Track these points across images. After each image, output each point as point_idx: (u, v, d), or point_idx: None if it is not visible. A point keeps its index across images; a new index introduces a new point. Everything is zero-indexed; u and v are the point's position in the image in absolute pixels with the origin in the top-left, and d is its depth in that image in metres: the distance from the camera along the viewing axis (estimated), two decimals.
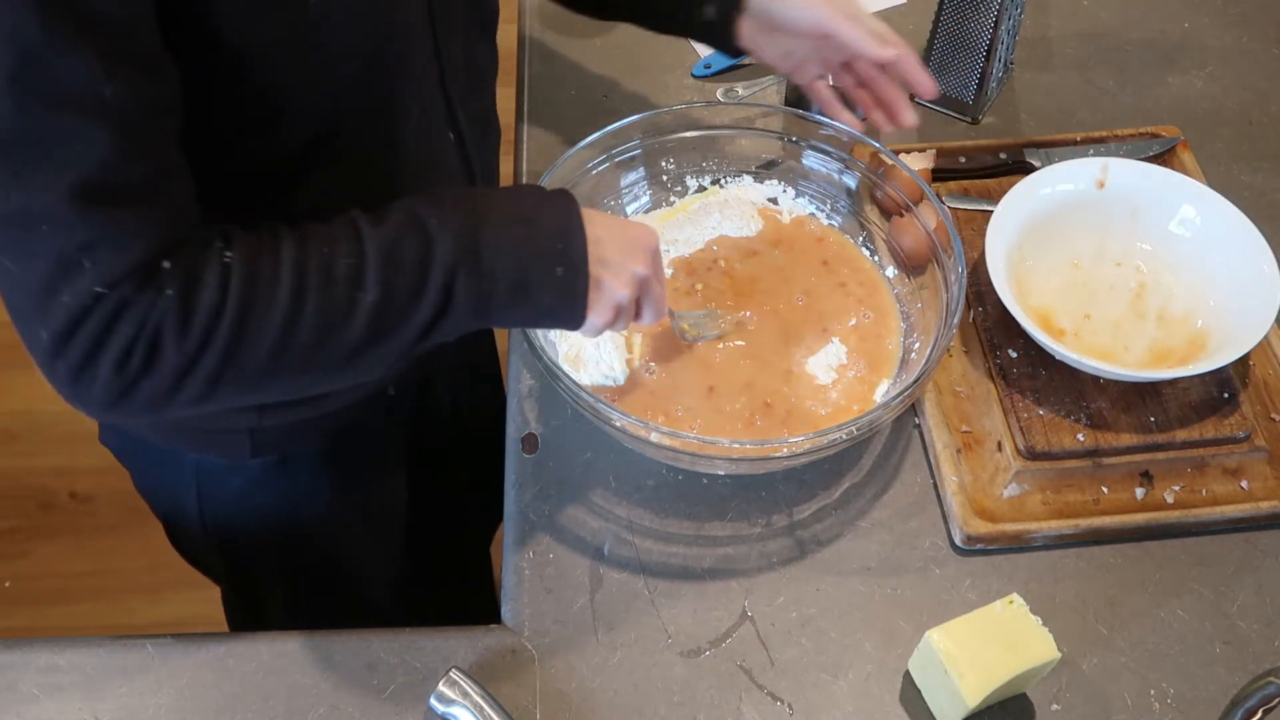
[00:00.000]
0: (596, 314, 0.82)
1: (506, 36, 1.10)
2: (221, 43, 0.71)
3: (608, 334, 1.02)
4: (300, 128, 0.79)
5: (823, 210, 1.14)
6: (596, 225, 0.81)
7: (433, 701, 0.81)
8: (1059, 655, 0.82)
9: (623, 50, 1.35)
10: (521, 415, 1.03)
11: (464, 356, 1.19)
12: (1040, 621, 0.83)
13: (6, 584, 1.96)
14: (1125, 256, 1.08)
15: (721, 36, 1.02)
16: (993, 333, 1.03)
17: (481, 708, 0.80)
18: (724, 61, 1.32)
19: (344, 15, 0.75)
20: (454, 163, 0.95)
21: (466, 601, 1.46)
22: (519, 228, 0.78)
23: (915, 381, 0.92)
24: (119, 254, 0.67)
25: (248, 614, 1.24)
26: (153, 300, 0.68)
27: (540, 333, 0.98)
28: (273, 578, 1.14)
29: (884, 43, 0.97)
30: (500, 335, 1.14)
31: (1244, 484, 0.97)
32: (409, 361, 0.82)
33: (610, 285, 0.82)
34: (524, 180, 1.22)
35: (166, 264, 0.68)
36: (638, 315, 0.87)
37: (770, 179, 1.14)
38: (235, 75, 0.72)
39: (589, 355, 1.01)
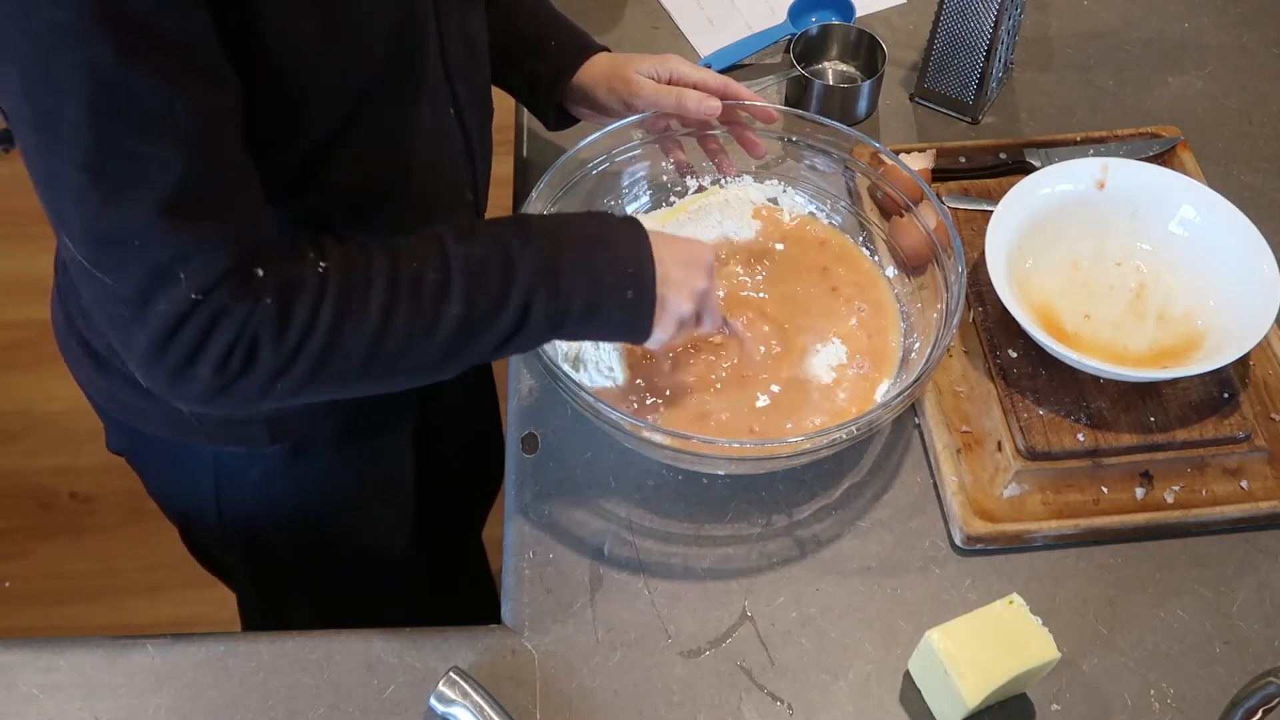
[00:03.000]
0: (662, 329, 0.87)
1: None
2: (264, 42, 0.72)
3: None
4: (327, 116, 0.81)
5: (823, 210, 1.14)
6: (660, 247, 0.86)
7: (433, 701, 0.81)
8: (1059, 655, 0.82)
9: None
10: (521, 415, 1.03)
11: None
12: (1040, 621, 0.83)
13: (7, 584, 1.96)
14: (1125, 256, 1.08)
15: (546, 113, 1.09)
16: (993, 333, 1.03)
17: (481, 708, 0.80)
18: (724, 62, 1.32)
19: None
20: (456, 140, 0.95)
21: (462, 580, 1.46)
22: (594, 252, 0.83)
23: (915, 381, 0.92)
24: (210, 263, 0.70)
25: (266, 612, 1.24)
26: (250, 307, 0.72)
27: None
28: (293, 567, 1.14)
29: (701, 99, 1.02)
30: None
31: (1244, 484, 0.97)
32: None
33: (674, 301, 0.86)
34: (523, 179, 1.22)
35: (260, 271, 0.72)
36: (697, 324, 0.91)
37: (770, 179, 1.14)
38: (271, 71, 0.74)
39: (589, 355, 1.01)
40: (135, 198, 0.67)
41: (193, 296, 0.70)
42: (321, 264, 0.75)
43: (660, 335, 0.88)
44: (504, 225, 0.83)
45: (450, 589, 1.44)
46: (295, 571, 1.15)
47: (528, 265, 0.80)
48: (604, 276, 0.83)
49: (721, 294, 1.06)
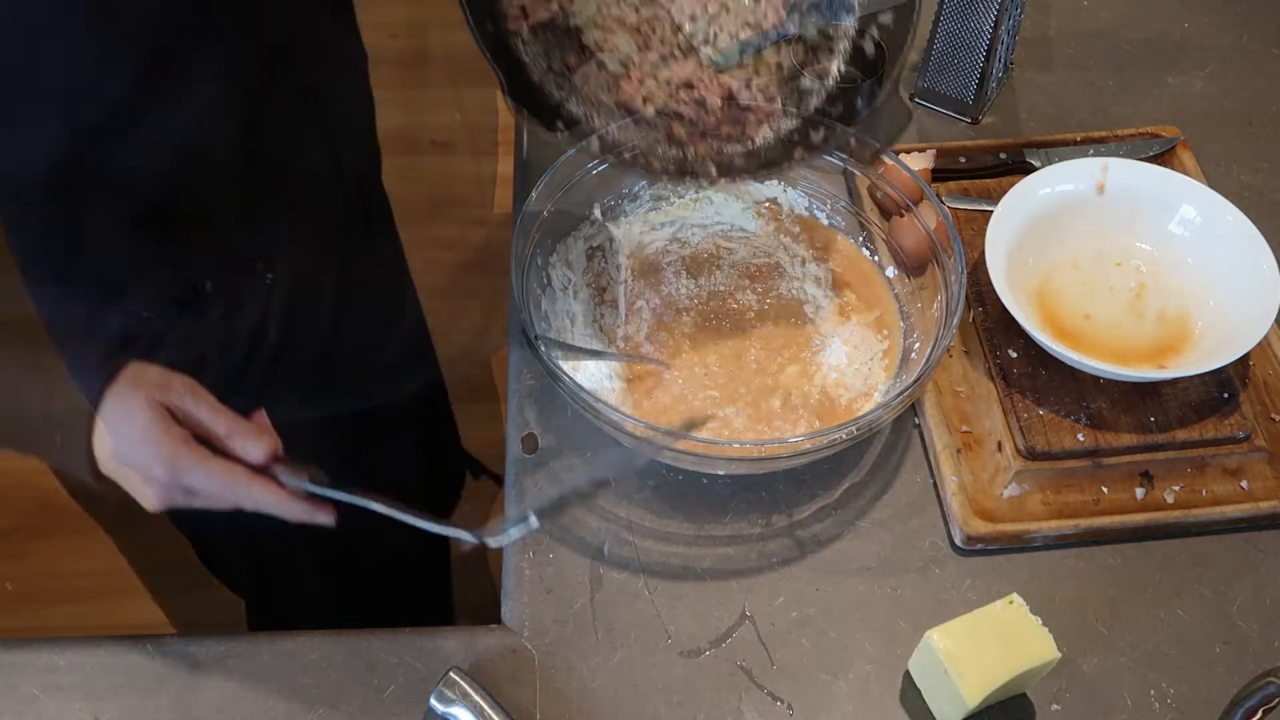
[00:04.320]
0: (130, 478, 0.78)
1: None
2: None
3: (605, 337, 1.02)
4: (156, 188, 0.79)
5: (823, 210, 1.14)
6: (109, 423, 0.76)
7: (433, 701, 0.81)
8: (1059, 655, 0.82)
9: None
10: (521, 415, 1.03)
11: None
12: (1040, 621, 0.83)
13: (8, 585, 1.96)
14: (1125, 256, 1.08)
15: None
16: (993, 333, 1.03)
17: (481, 708, 0.80)
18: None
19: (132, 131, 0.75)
20: (322, 160, 0.93)
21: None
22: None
23: (915, 381, 0.92)
24: (159, 281, 0.69)
25: (275, 618, 1.23)
26: (196, 323, 0.70)
27: (539, 329, 0.99)
28: (302, 575, 1.13)
29: None
30: (497, 334, 1.14)
31: (1244, 484, 0.97)
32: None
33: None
34: (523, 179, 1.21)
35: (209, 286, 0.71)
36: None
37: (770, 179, 1.14)
38: None
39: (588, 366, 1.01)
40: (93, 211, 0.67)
41: (143, 315, 0.70)
42: (269, 275, 0.75)
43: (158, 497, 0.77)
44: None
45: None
46: (304, 579, 1.14)
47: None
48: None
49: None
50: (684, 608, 0.92)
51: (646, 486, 0.98)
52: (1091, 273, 1.07)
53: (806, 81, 0.96)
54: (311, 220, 0.93)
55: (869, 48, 0.95)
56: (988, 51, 1.21)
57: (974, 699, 0.81)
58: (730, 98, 0.95)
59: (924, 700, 0.87)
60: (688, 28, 0.93)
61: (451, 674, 0.82)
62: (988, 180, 1.18)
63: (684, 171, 0.92)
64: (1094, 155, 1.17)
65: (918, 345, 1.01)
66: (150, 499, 0.77)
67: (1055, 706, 0.87)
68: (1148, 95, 1.31)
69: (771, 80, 0.94)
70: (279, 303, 0.89)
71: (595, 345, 1.01)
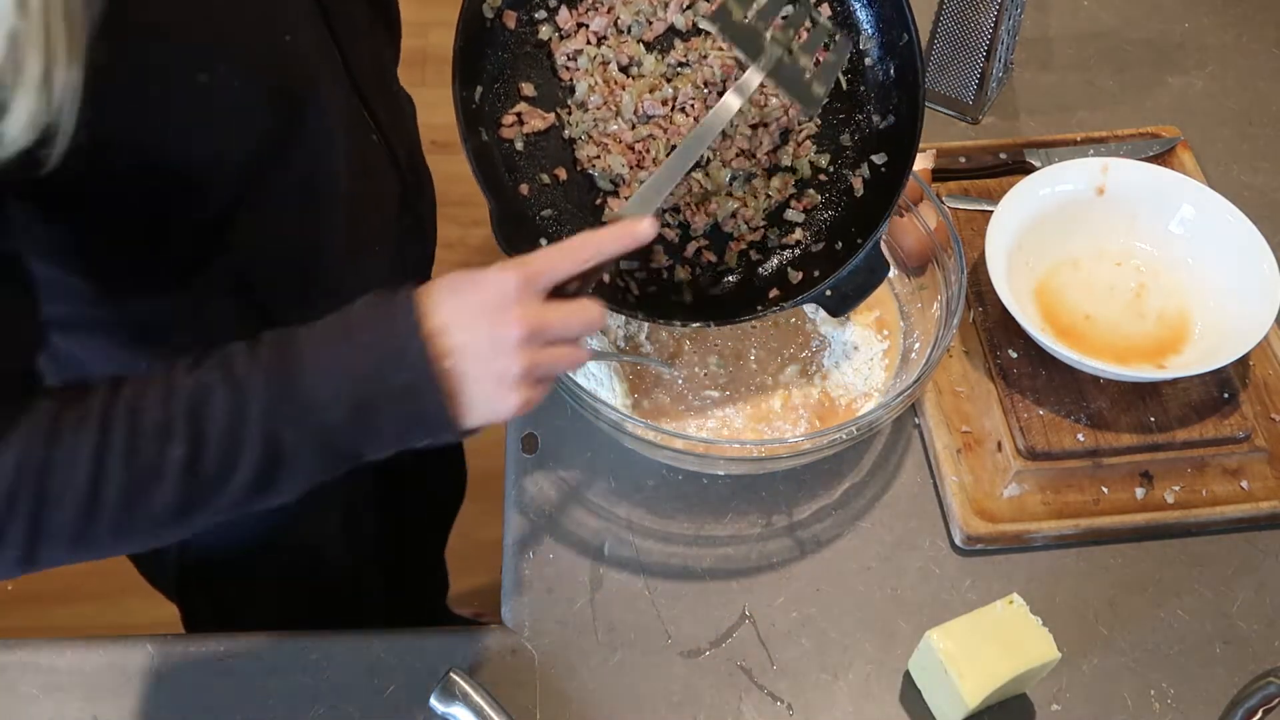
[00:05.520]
0: (478, 408, 0.70)
1: None
2: (120, 145, 0.68)
3: (601, 337, 1.02)
4: (216, 192, 0.78)
5: None
6: (439, 308, 0.69)
7: (433, 702, 0.81)
8: (1059, 655, 0.82)
9: None
10: (521, 415, 1.02)
11: None
12: (1040, 621, 0.83)
13: (8, 585, 1.96)
14: (1125, 256, 1.08)
15: None
16: (993, 333, 1.03)
17: (481, 708, 0.80)
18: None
19: (238, 76, 0.73)
20: (383, 162, 0.93)
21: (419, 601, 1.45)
22: (336, 347, 0.69)
23: (915, 381, 0.92)
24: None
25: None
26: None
27: None
28: (253, 592, 1.12)
29: None
30: None
31: (1244, 484, 0.97)
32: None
33: (476, 373, 0.69)
34: None
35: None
36: (538, 385, 0.73)
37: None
38: (134, 169, 0.70)
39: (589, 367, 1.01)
40: None
41: None
42: (37, 408, 0.67)
43: (484, 415, 0.71)
44: (239, 347, 0.70)
45: (411, 610, 1.42)
46: (255, 597, 1.13)
47: (257, 389, 0.67)
48: (353, 370, 0.68)
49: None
50: (684, 608, 0.92)
51: (646, 486, 0.98)
52: (1091, 273, 1.07)
53: (792, 214, 0.97)
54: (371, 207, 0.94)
55: (858, 185, 0.96)
56: (988, 51, 1.21)
57: (974, 699, 0.81)
58: (715, 226, 0.96)
59: (924, 700, 0.87)
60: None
61: (451, 674, 0.81)
62: (988, 180, 1.18)
63: (656, 311, 0.91)
64: (1094, 155, 1.17)
65: (918, 345, 1.01)
66: (511, 400, 0.71)
67: (1055, 706, 0.87)
68: (1148, 95, 1.31)
69: (758, 212, 0.96)
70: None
71: (595, 345, 1.01)
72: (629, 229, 0.73)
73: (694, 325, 0.92)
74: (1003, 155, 1.19)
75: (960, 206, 1.15)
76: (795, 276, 0.95)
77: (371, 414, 0.68)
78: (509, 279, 0.70)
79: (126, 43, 0.64)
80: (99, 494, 0.65)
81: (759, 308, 0.93)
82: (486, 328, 0.69)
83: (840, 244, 0.94)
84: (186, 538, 0.71)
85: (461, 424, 0.70)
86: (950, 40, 1.23)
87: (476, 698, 0.81)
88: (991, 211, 1.04)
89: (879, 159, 0.95)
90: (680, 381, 1.01)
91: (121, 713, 0.86)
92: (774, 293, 0.95)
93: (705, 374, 1.01)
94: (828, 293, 0.93)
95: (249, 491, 0.68)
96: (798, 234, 0.97)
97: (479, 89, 0.90)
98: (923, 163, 1.14)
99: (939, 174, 1.17)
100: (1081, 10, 1.42)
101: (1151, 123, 1.25)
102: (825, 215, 0.97)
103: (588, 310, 0.73)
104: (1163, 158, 1.20)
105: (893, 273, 1.08)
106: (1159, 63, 1.35)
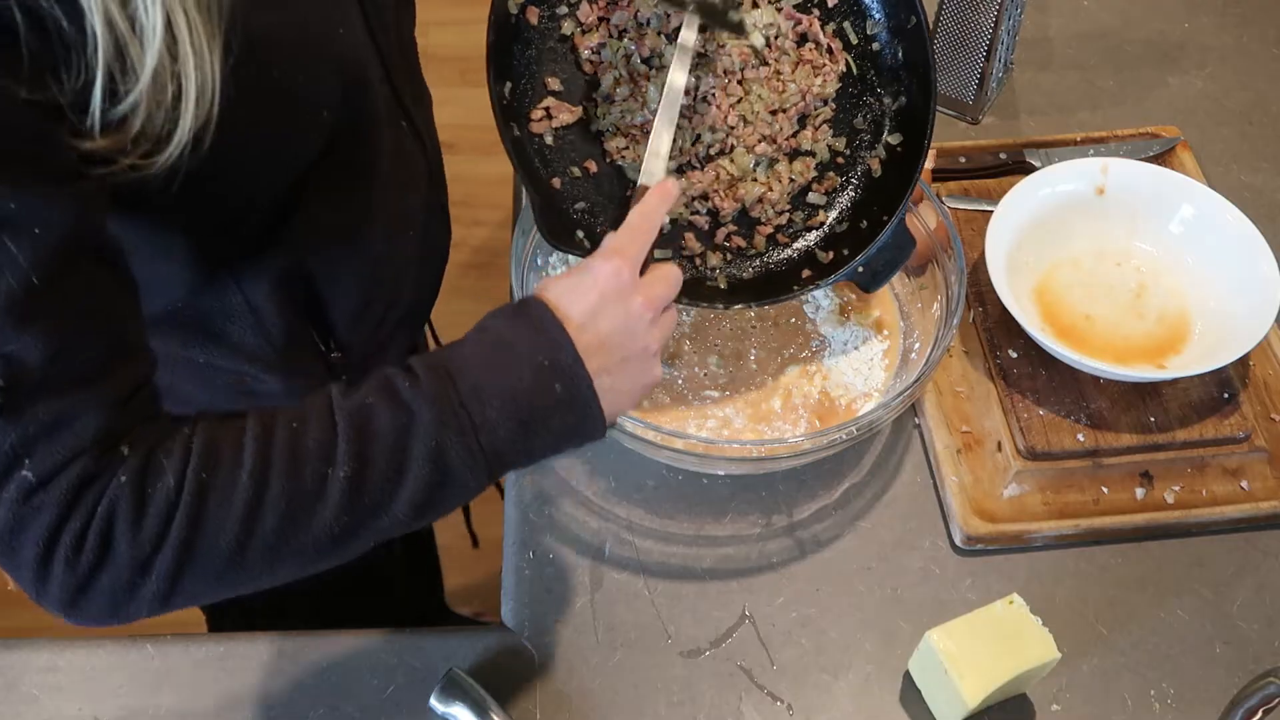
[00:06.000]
0: (626, 395, 0.75)
1: None
2: (218, 151, 0.68)
3: None
4: (281, 182, 0.80)
5: None
6: (572, 308, 0.73)
7: (433, 701, 0.81)
8: (1059, 655, 0.82)
9: None
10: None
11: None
12: (1040, 621, 0.83)
13: (9, 585, 1.96)
14: (1125, 256, 1.08)
15: None
16: (993, 333, 1.03)
17: (481, 708, 0.80)
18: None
19: (302, 71, 0.75)
20: (413, 145, 0.95)
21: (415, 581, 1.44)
22: (493, 366, 0.70)
23: (915, 381, 0.92)
24: (55, 447, 0.61)
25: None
26: (103, 489, 0.62)
27: None
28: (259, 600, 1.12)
29: None
30: None
31: (1244, 484, 0.97)
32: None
33: (623, 357, 0.74)
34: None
35: (125, 449, 0.63)
36: (661, 355, 0.80)
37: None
38: (210, 168, 0.70)
39: None
40: None
41: (34, 483, 0.61)
42: (189, 431, 0.65)
43: (631, 397, 0.76)
44: (394, 371, 0.71)
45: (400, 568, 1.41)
46: (256, 599, 1.12)
47: (425, 407, 0.68)
48: (518, 385, 0.69)
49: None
50: (684, 608, 0.92)
51: (646, 486, 0.98)
52: (1091, 273, 1.07)
53: (814, 196, 0.98)
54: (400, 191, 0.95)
55: (876, 166, 0.98)
56: (988, 51, 1.21)
57: (974, 699, 0.81)
58: (743, 211, 0.98)
59: (924, 700, 0.87)
60: (707, 138, 0.95)
61: (452, 674, 0.82)
62: (988, 180, 1.18)
63: (695, 295, 0.94)
64: (1094, 155, 1.17)
65: (918, 345, 1.01)
66: (654, 373, 0.77)
67: (1055, 706, 0.87)
68: (1148, 95, 1.31)
69: (782, 196, 0.98)
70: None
71: None
72: (664, 190, 0.80)
73: (735, 306, 0.94)
74: (1003, 155, 1.19)
75: (960, 206, 1.15)
76: (825, 256, 0.97)
77: (537, 426, 0.70)
78: (619, 266, 0.75)
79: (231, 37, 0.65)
80: (258, 517, 0.64)
81: (795, 288, 0.95)
82: (622, 314, 0.74)
83: (865, 223, 0.96)
84: (317, 571, 0.69)
85: (612, 417, 0.74)
86: (950, 40, 1.23)
87: (476, 697, 0.81)
88: (991, 211, 1.04)
89: (894, 140, 0.97)
90: (680, 381, 1.01)
91: (121, 713, 0.86)
92: (806, 273, 0.96)
93: (705, 374, 1.01)
94: (859, 269, 0.96)
95: (409, 514, 0.68)
96: (822, 215, 0.98)
97: (508, 85, 0.91)
98: None
99: (939, 174, 1.17)
100: (1081, 10, 1.42)
101: (1151, 123, 1.25)
102: (847, 196, 0.99)
103: (674, 274, 0.80)
104: (1163, 158, 1.20)
105: None
106: (1159, 63, 1.35)
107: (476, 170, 1.63)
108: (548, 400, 0.70)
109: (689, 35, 0.87)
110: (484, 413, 0.69)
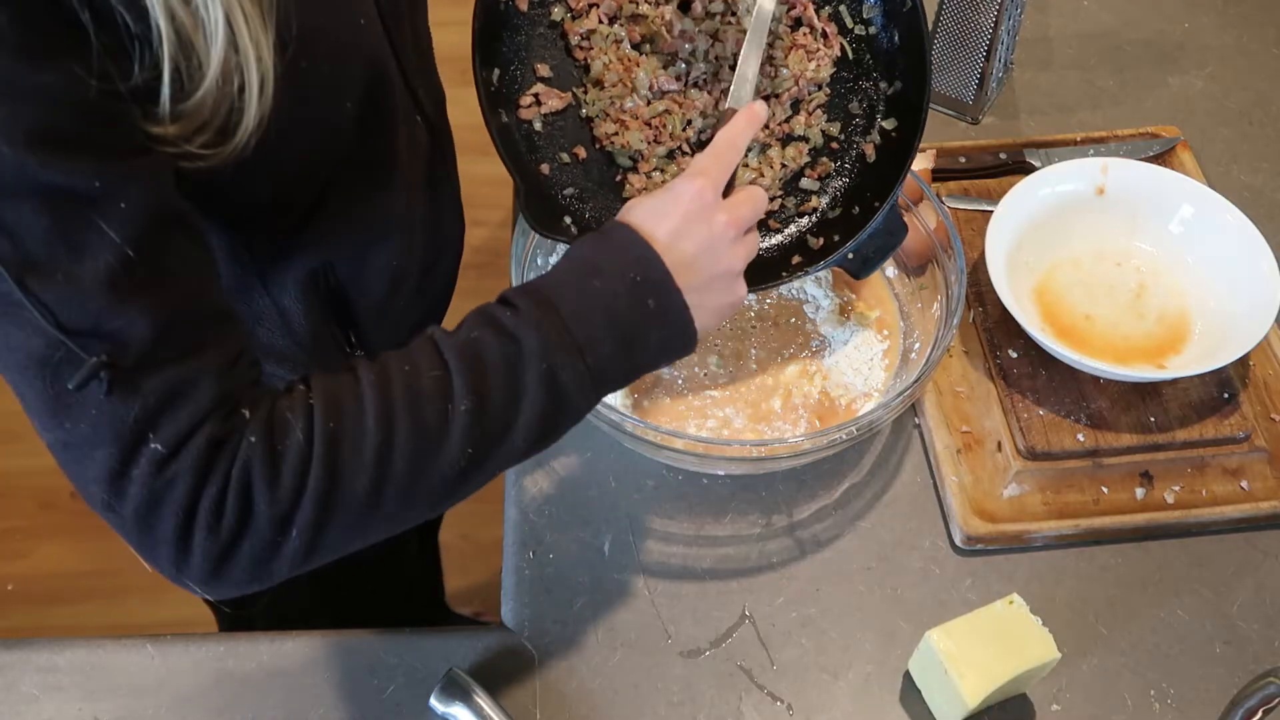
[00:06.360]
0: (709, 315, 0.78)
1: None
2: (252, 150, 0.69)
3: None
4: (312, 180, 0.81)
5: None
6: (657, 228, 0.75)
7: (433, 701, 0.81)
8: (1059, 655, 0.82)
9: None
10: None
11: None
12: (1040, 621, 0.83)
13: (10, 586, 1.96)
14: (1125, 256, 1.08)
15: None
16: (993, 333, 1.03)
17: (481, 708, 0.81)
18: None
19: (328, 62, 0.75)
20: (424, 138, 0.95)
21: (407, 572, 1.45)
22: (588, 283, 0.73)
23: (915, 381, 0.92)
24: (182, 414, 0.62)
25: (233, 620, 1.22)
26: (234, 452, 0.63)
27: None
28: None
29: None
30: None
31: (1244, 484, 0.97)
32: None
33: (711, 273, 0.77)
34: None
35: (246, 412, 0.64)
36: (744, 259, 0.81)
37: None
38: (252, 169, 0.70)
39: None
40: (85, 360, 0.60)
41: (165, 453, 0.62)
42: (304, 387, 0.67)
43: (714, 319, 0.79)
44: (491, 305, 0.74)
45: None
46: (258, 598, 1.12)
47: (530, 335, 0.70)
48: (614, 303, 0.72)
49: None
50: (684, 608, 0.92)
51: (646, 486, 0.98)
52: (1091, 273, 1.07)
53: (807, 182, 0.98)
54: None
55: (870, 151, 0.98)
56: (988, 51, 1.21)
57: (974, 699, 0.81)
58: None
59: (924, 700, 0.87)
60: (699, 124, 0.96)
61: (451, 674, 0.82)
62: (988, 180, 1.18)
63: None
64: (1094, 155, 1.17)
65: (918, 345, 1.01)
66: (739, 291, 0.80)
67: (1055, 706, 0.87)
68: (1148, 95, 1.31)
69: (775, 182, 0.98)
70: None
71: None
72: (751, 114, 0.82)
73: None
74: (1003, 155, 1.19)
75: (960, 206, 1.15)
76: (816, 242, 0.97)
77: (636, 341, 0.73)
78: (702, 187, 0.77)
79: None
80: (389, 460, 0.66)
81: (784, 274, 0.96)
82: (706, 233, 0.76)
83: (857, 209, 0.96)
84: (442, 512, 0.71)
85: (703, 332, 0.77)
86: (950, 40, 1.23)
87: (476, 698, 0.81)
88: (991, 211, 1.04)
89: (889, 124, 0.97)
90: (680, 381, 1.01)
91: (121, 713, 0.86)
92: (796, 259, 0.97)
93: (705, 374, 1.01)
94: (849, 256, 0.96)
95: (529, 441, 0.71)
96: (814, 201, 0.98)
97: (496, 71, 0.92)
98: (923, 163, 1.14)
99: (939, 174, 1.17)
100: (1081, 10, 1.42)
101: (1151, 123, 1.25)
102: (840, 182, 0.99)
103: (760, 195, 0.82)
104: (1163, 158, 1.20)
105: (893, 273, 1.08)
106: (1159, 63, 1.35)
107: (476, 170, 1.63)
108: (643, 315, 0.73)
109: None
110: (587, 332, 0.71)
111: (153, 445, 0.61)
